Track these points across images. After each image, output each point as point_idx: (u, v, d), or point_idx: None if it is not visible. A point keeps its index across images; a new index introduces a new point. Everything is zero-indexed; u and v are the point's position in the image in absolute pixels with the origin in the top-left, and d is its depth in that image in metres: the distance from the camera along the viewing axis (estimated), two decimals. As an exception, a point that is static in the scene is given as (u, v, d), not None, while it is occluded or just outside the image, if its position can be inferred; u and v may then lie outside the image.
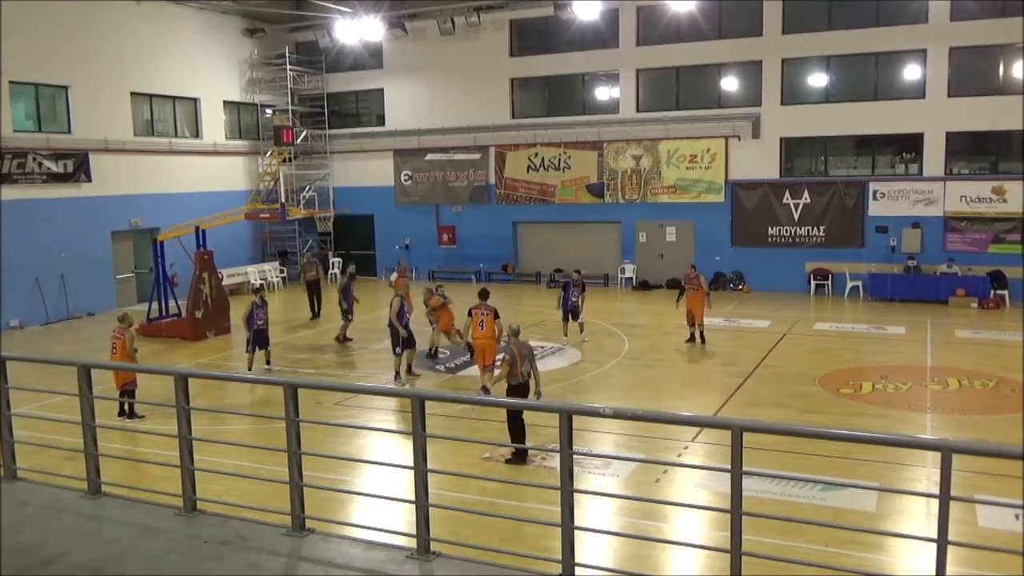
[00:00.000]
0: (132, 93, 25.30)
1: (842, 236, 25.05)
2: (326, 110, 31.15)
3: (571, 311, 18.67)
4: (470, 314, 14.57)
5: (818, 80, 25.56)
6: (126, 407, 13.03)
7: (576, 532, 5.19)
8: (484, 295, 15.08)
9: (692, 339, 18.19)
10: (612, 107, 27.69)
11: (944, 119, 23.71)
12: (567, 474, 5.07)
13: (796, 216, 25.55)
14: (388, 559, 5.51)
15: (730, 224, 26.36)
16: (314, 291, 23.07)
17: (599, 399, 14.37)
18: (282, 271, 29.61)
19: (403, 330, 15.40)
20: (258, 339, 16.28)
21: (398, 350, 15.54)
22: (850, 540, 8.29)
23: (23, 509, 6.47)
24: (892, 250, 24.57)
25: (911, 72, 24.28)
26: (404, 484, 7.56)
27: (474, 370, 16.52)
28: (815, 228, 25.39)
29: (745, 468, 4.72)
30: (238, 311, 21.09)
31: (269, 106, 30.66)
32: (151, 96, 26.19)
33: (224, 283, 22.54)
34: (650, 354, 17.75)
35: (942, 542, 4.34)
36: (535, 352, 11.55)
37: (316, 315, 22.87)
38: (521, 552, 6.19)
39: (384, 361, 17.51)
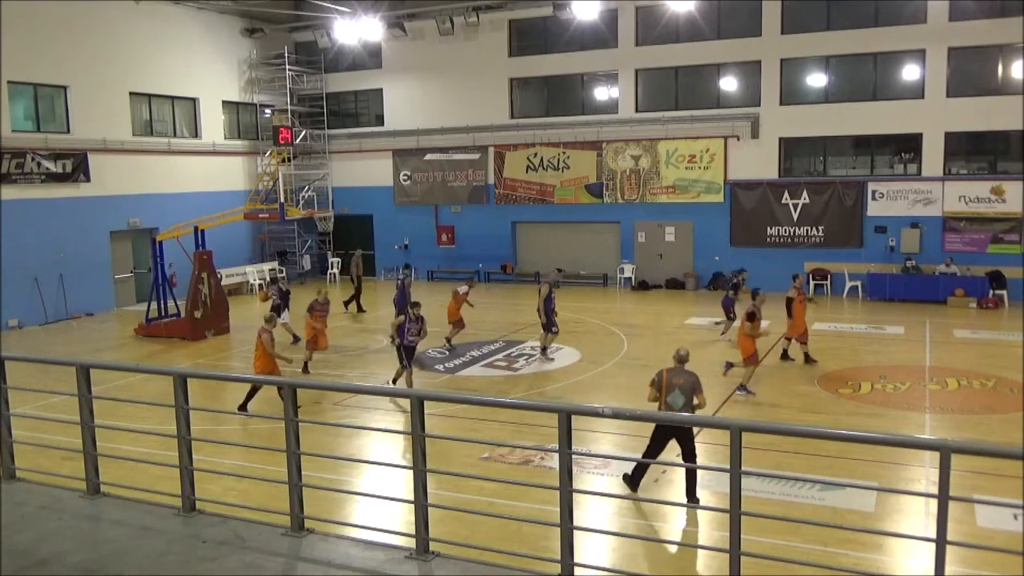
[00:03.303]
0: (131, 93, 25.29)
1: (841, 236, 25.07)
2: (325, 110, 31.14)
3: (729, 308, 18.65)
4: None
5: (817, 80, 25.57)
6: (247, 399, 13.29)
7: (575, 532, 5.19)
8: (753, 295, 15.23)
9: (809, 359, 16.32)
10: (611, 107, 27.70)
11: (943, 119, 23.73)
12: (566, 474, 5.07)
13: (795, 216, 25.57)
14: (387, 559, 5.51)
15: (729, 224, 26.36)
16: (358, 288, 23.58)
17: (598, 399, 14.36)
18: (281, 271, 29.57)
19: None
20: (407, 354, 14.50)
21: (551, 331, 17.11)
22: (849, 540, 8.29)
23: (21, 509, 6.46)
24: (891, 250, 24.59)
25: (910, 72, 24.29)
26: (403, 484, 7.57)
27: (473, 370, 16.58)
28: (814, 228, 25.41)
29: (744, 468, 4.72)
30: (237, 311, 21.16)
31: (268, 106, 30.65)
32: (150, 96, 26.18)
33: (223, 283, 22.53)
34: (649, 354, 17.73)
35: (941, 542, 4.34)
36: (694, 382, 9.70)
37: (359, 309, 23.43)
38: (520, 552, 6.19)
39: (383, 361, 17.53)
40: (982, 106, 23.14)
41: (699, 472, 10.29)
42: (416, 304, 14.65)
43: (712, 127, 26.09)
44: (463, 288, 18.95)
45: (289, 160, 29.59)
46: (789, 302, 16.34)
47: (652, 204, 27.22)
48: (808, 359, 16.28)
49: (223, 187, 28.07)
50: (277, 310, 19.27)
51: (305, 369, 16.24)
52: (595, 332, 19.82)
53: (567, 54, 27.63)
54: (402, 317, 14.55)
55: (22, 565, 5.58)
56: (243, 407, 13.17)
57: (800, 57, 25.25)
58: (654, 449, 9.47)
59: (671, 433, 9.39)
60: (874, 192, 24.70)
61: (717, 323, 19.59)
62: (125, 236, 25.22)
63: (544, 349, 17.43)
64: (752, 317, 14.14)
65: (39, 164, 22.46)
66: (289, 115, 29.81)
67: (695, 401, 9.60)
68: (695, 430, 9.50)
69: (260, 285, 19.61)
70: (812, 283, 25.25)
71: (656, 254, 27.37)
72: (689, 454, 9.30)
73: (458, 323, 18.42)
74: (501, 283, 28.85)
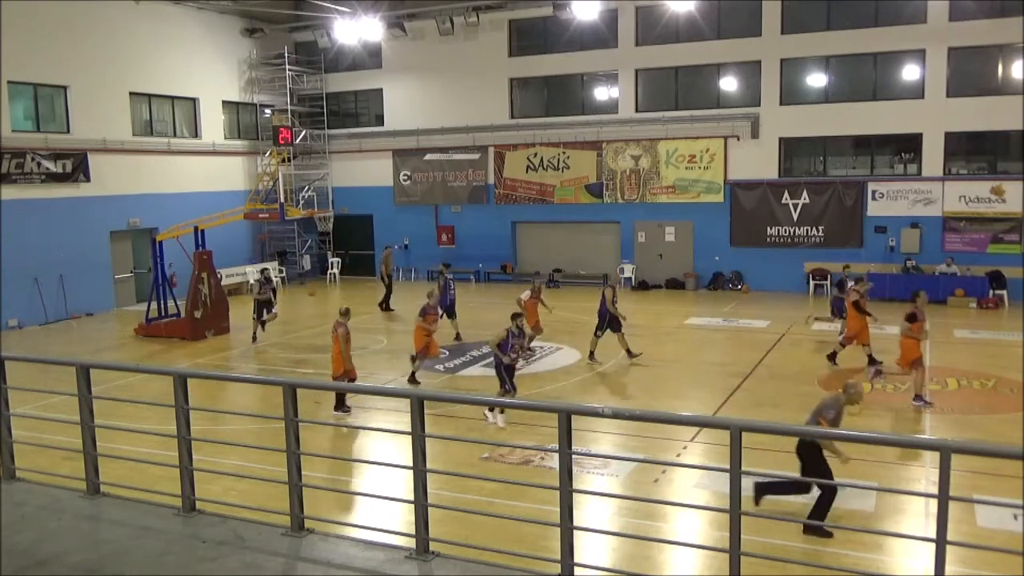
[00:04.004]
0: (131, 93, 25.29)
1: (841, 236, 25.07)
2: (325, 110, 31.14)
3: (840, 308, 17.54)
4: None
5: (817, 80, 25.57)
6: (341, 397, 13.39)
7: (575, 532, 5.19)
8: (914, 297, 14.07)
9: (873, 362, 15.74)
10: (611, 107, 27.70)
11: (943, 119, 23.73)
12: (566, 474, 5.07)
13: (795, 216, 25.57)
14: (387, 559, 5.51)
15: (729, 224, 26.37)
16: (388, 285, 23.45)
17: (598, 399, 14.37)
18: (281, 271, 29.59)
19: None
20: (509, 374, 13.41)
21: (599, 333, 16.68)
22: (849, 540, 8.29)
23: (21, 509, 6.46)
24: (891, 250, 24.59)
25: (910, 72, 24.30)
26: (403, 484, 7.56)
27: (473, 370, 16.57)
28: (814, 228, 25.41)
29: (744, 468, 4.72)
30: (237, 311, 21.18)
31: (268, 106, 30.65)
32: (150, 96, 26.18)
33: (223, 283, 22.53)
34: (649, 354, 17.72)
35: (941, 542, 4.34)
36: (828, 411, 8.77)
37: (389, 307, 23.29)
38: (520, 552, 6.18)
39: (383, 361, 17.53)
40: (982, 106, 23.14)
41: (699, 472, 10.31)
42: (519, 315, 13.15)
43: (712, 127, 26.08)
44: (525, 294, 17.68)
45: (289, 160, 29.59)
46: (855, 305, 15.85)
47: (652, 204, 27.22)
48: (832, 358, 16.07)
49: (223, 187, 28.07)
50: (269, 305, 19.34)
51: (413, 379, 15.19)
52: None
53: (567, 54, 27.63)
54: (504, 332, 12.70)
55: (22, 565, 5.58)
56: (340, 405, 13.34)
57: (800, 57, 25.25)
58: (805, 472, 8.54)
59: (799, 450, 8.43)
60: (874, 192, 24.70)
61: (833, 324, 18.64)
62: (125, 236, 25.21)
63: (629, 353, 16.66)
64: (913, 319, 13.25)
65: (39, 164, 22.45)
66: (289, 115, 29.81)
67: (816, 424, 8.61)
68: (826, 453, 8.39)
69: (260, 289, 19.58)
70: (812, 283, 25.27)
71: (656, 254, 27.37)
72: (807, 475, 8.36)
73: (536, 326, 17.26)
74: (501, 283, 28.84)
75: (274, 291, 20.15)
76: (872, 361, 15.83)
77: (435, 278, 20.96)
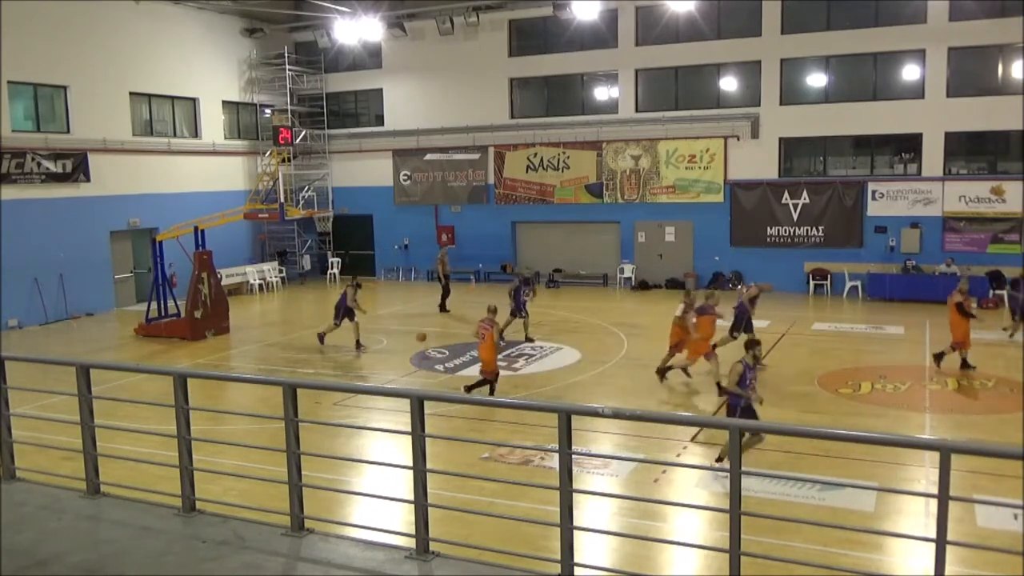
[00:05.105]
0: (131, 93, 25.28)
1: (841, 236, 25.07)
2: (325, 110, 31.13)
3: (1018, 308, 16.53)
4: None
5: (817, 80, 25.57)
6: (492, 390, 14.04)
7: (575, 532, 5.19)
8: None
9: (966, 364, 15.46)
10: (611, 107, 27.70)
11: (943, 119, 23.73)
12: (566, 474, 5.07)
13: (795, 216, 25.57)
14: (387, 559, 5.51)
15: (729, 224, 26.37)
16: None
17: (598, 399, 14.37)
18: (281, 271, 29.59)
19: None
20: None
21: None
22: (849, 540, 8.29)
23: (21, 509, 6.46)
24: (891, 250, 24.58)
25: (910, 72, 24.30)
26: (403, 484, 7.56)
27: (473, 370, 16.49)
28: (814, 228, 25.41)
29: (744, 468, 4.72)
30: (237, 311, 21.16)
31: (268, 106, 30.64)
32: (150, 96, 26.17)
33: (223, 283, 22.53)
34: (649, 354, 17.71)
35: (941, 542, 4.34)
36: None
37: (445, 308, 23.12)
38: (520, 552, 6.18)
39: (383, 361, 17.51)
40: (982, 106, 23.14)
41: (699, 472, 10.31)
42: (756, 343, 10.92)
43: (712, 127, 26.08)
44: (679, 309, 15.17)
45: (289, 160, 29.59)
46: (960, 307, 15.47)
47: (652, 204, 27.22)
48: (939, 359, 15.66)
49: (223, 187, 28.07)
50: (350, 315, 18.21)
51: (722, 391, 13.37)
52: (595, 332, 19.81)
53: (567, 54, 27.63)
54: (739, 366, 10.44)
55: (22, 565, 5.58)
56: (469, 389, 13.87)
57: (800, 57, 25.25)
58: None
59: None
60: (874, 192, 24.70)
61: (1005, 329, 18.63)
62: (125, 236, 25.21)
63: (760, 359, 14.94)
64: None
65: (39, 164, 22.45)
66: (289, 115, 29.81)
67: None
68: None
69: (354, 294, 18.51)
70: (812, 283, 25.27)
71: (656, 254, 27.37)
72: None
73: (711, 353, 14.85)
74: (501, 283, 28.80)
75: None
76: (965, 365, 15.49)
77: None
